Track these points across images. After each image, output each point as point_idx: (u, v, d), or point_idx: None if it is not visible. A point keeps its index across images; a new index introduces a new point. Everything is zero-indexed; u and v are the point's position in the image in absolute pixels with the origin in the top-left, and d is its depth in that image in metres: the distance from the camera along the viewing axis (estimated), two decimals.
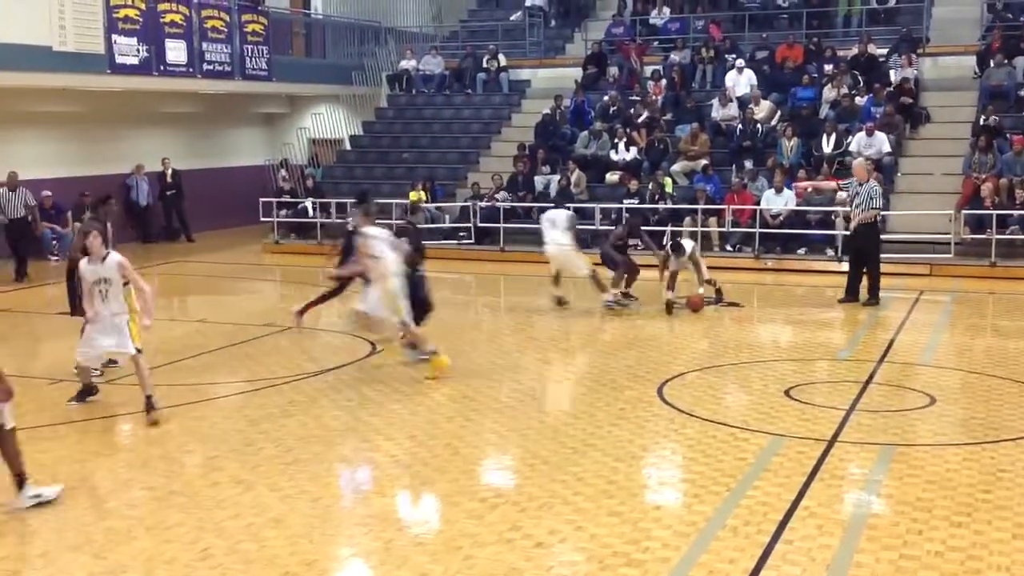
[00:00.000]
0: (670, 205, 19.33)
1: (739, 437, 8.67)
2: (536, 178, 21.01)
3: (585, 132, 21.65)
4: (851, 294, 14.83)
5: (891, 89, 20.73)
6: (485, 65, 25.04)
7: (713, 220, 18.95)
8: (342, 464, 8.50)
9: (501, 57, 25.10)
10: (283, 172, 24.43)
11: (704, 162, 20.00)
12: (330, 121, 26.92)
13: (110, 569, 6.32)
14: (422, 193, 20.76)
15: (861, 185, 14.79)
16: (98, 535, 6.86)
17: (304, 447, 8.64)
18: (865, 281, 14.76)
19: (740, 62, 22.33)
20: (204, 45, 21.91)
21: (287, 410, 9.77)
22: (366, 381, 10.97)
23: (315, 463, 8.25)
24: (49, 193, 20.21)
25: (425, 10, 31.08)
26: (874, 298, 14.69)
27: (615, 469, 7.93)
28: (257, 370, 11.44)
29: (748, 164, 19.77)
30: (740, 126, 20.86)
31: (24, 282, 17.65)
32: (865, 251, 14.79)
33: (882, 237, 17.55)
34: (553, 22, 27.06)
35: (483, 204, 20.50)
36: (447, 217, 20.99)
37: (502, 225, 20.08)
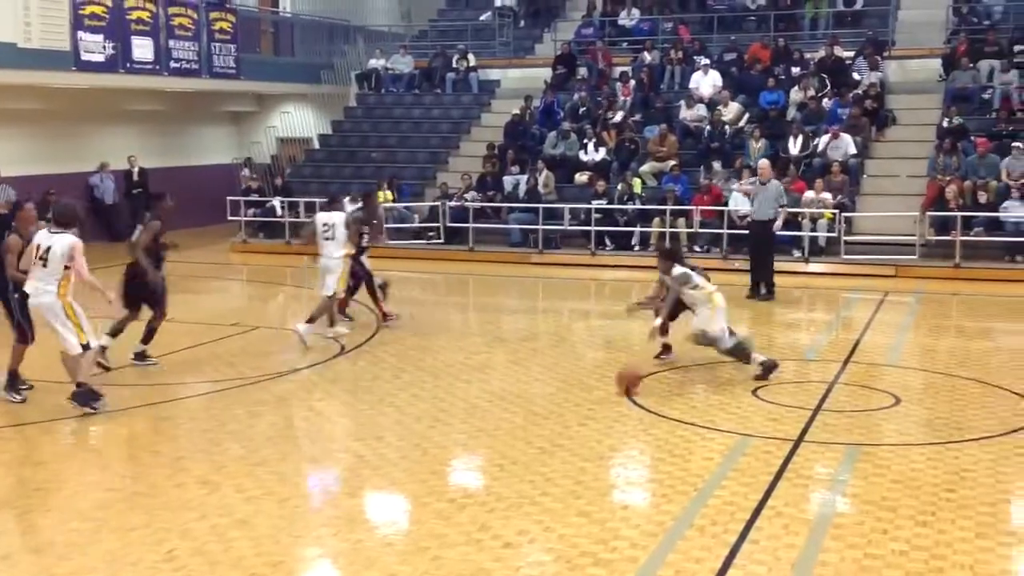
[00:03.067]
0: (639, 206, 19.41)
1: (707, 437, 8.71)
2: (505, 178, 21.03)
3: (553, 132, 21.68)
4: (755, 290, 15.26)
5: (857, 92, 20.92)
6: (455, 65, 25.02)
7: (681, 221, 19.03)
8: (310, 465, 8.46)
9: (471, 57, 25.09)
10: (245, 171, 24.21)
11: (673, 163, 20.09)
12: (299, 120, 26.79)
13: (74, 571, 6.25)
14: (389, 193, 20.71)
15: (764, 184, 15.14)
16: (62, 537, 6.79)
17: (272, 447, 8.59)
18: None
19: (705, 61, 22.46)
20: (171, 43, 21.75)
21: (254, 410, 9.72)
22: (335, 381, 10.94)
23: (283, 463, 8.21)
24: (10, 190, 19.97)
25: (394, 9, 31.03)
26: (770, 293, 15.14)
27: (583, 469, 7.95)
28: (225, 370, 11.36)
29: (716, 165, 19.88)
30: (708, 127, 20.96)
31: None
32: (762, 247, 15.31)
33: (846, 238, 17.81)
34: (523, 22, 27.08)
35: (452, 204, 20.49)
36: (416, 217, 20.95)
37: (471, 225, 20.07)
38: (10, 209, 17.85)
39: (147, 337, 11.33)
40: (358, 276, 13.24)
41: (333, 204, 13.19)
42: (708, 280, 10.86)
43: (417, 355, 12.00)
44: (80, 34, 19.49)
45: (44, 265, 9.23)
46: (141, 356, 11.37)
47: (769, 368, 10.55)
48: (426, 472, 8.01)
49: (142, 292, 11.17)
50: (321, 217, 12.87)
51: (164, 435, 8.99)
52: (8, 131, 20.56)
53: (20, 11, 18.24)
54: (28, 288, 9.36)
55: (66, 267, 9.21)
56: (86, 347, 9.35)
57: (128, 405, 9.83)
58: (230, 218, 22.32)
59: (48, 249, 9.22)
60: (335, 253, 12.57)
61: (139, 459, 8.42)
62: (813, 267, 17.93)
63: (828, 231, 18.17)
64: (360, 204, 14.45)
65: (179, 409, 9.88)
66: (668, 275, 10.82)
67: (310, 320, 12.32)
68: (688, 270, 10.78)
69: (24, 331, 9.90)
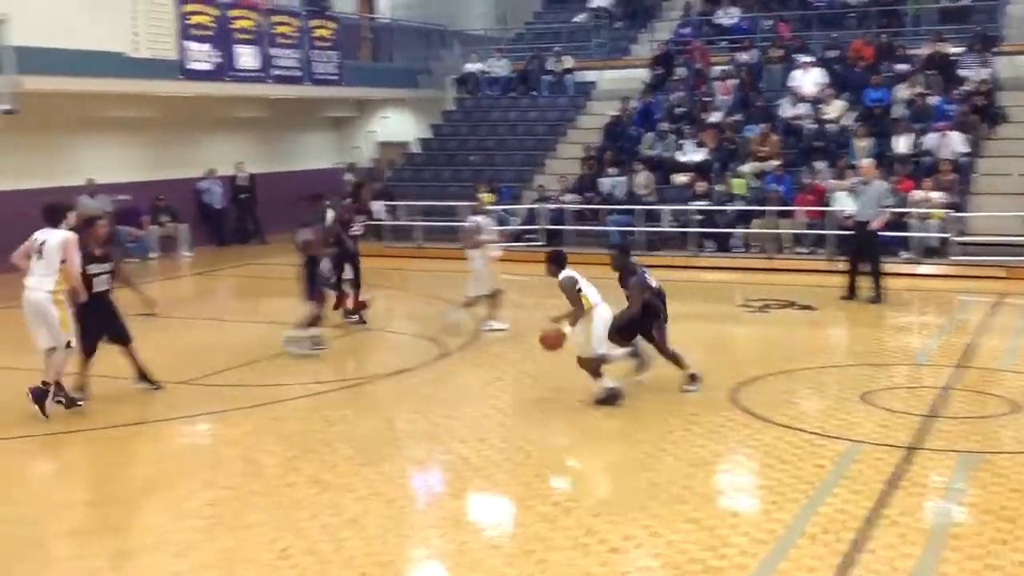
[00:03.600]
0: (740, 207, 19.15)
1: (816, 443, 8.54)
2: (603, 180, 20.95)
3: (651, 133, 21.53)
4: (852, 292, 14.85)
5: (966, 89, 20.31)
6: (550, 67, 25.04)
7: (785, 221, 18.72)
8: (416, 466, 8.53)
9: (566, 59, 25.07)
10: (349, 175, 24.63)
11: (775, 162, 19.77)
12: (398, 124, 27.10)
13: (192, 568, 6.42)
14: (489, 195, 20.81)
15: (867, 183, 14.73)
16: (177, 534, 6.97)
17: (378, 449, 8.69)
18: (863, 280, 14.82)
19: (806, 59, 22.05)
20: (274, 51, 22.19)
21: (360, 412, 9.85)
22: (437, 383, 11.02)
23: (390, 464, 8.30)
24: (126, 197, 20.64)
25: (490, 13, 31.17)
26: (877, 297, 14.66)
27: (689, 475, 7.86)
28: (330, 371, 11.54)
29: (820, 164, 19.50)
30: (811, 126, 20.58)
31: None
32: (866, 250, 14.84)
33: (957, 239, 17.28)
34: (619, 23, 26.95)
35: (550, 206, 20.49)
36: (515, 219, 21.01)
37: (569, 227, 20.04)
38: (80, 224, 18.27)
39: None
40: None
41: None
42: (597, 292, 9.98)
43: (518, 358, 12.03)
44: (187, 44, 20.01)
45: (40, 258, 9.42)
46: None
47: (613, 397, 9.70)
48: (530, 475, 8.02)
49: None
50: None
51: (275, 435, 9.15)
52: (119, 138, 21.21)
53: (129, 22, 18.80)
54: (27, 282, 9.50)
55: (62, 261, 9.40)
56: (68, 345, 9.52)
57: (239, 405, 10.05)
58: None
59: (43, 243, 9.44)
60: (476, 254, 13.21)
61: (251, 458, 8.59)
62: (923, 269, 17.44)
63: (938, 232, 17.67)
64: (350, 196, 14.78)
65: (288, 410, 10.06)
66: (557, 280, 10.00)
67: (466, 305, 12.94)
68: (574, 276, 9.89)
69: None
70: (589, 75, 25.19)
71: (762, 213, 18.84)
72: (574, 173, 21.58)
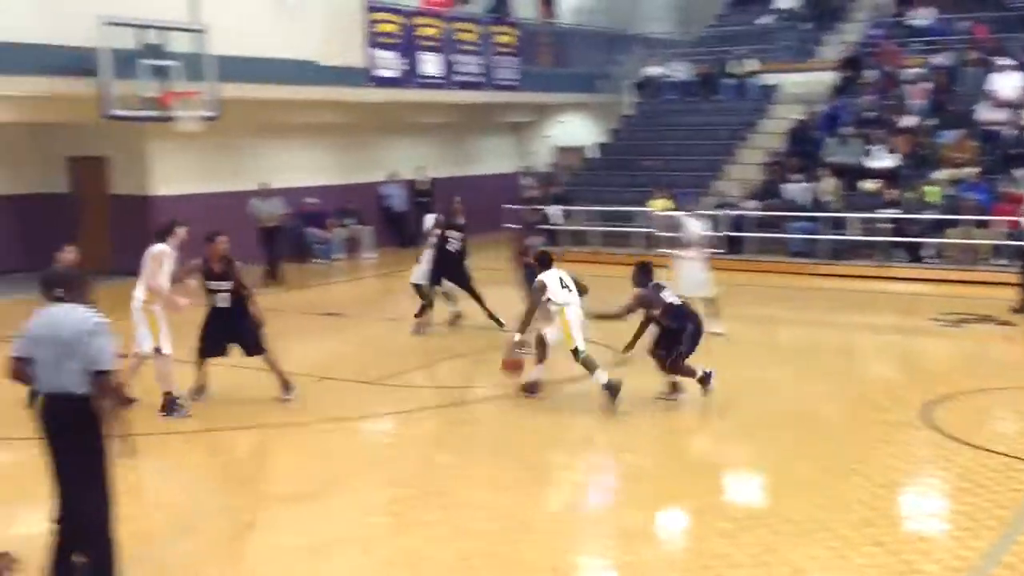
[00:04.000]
0: (934, 215, 18.30)
1: (1015, 468, 8.05)
2: (786, 186, 20.41)
3: (835, 138, 20.84)
4: None
5: None
6: (732, 70, 24.58)
7: (981, 232, 17.78)
8: (593, 474, 8.50)
9: (750, 62, 24.56)
10: (529, 179, 24.86)
11: (972, 169, 18.81)
12: (575, 129, 27.16)
13: (378, 564, 6.57)
14: (667, 201, 20.62)
15: None
16: (362, 530, 7.14)
17: (557, 454, 8.71)
18: None
19: (1005, 62, 20.87)
20: (457, 57, 22.59)
21: (540, 417, 9.88)
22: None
23: (566, 471, 8.30)
24: (315, 200, 21.42)
25: (671, 16, 30.85)
26: None
27: (878, 495, 7.54)
28: (504, 376, 11.61)
29: (1020, 172, 18.44)
30: (1010, 132, 19.49)
31: (273, 286, 18.03)
32: None
33: None
34: (805, 25, 26.21)
35: (731, 212, 20.10)
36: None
37: (750, 234, 19.61)
38: (281, 220, 18.76)
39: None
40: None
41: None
42: (571, 292, 10.09)
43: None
44: (374, 51, 20.59)
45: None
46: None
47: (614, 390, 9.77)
48: (708, 489, 7.86)
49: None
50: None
51: (457, 436, 9.30)
52: (307, 143, 22.03)
53: (321, 31, 19.49)
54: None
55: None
56: (157, 351, 9.77)
57: (422, 405, 10.26)
58: (509, 225, 22.88)
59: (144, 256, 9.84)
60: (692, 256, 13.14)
61: (433, 459, 8.74)
62: None
63: None
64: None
65: (469, 412, 10.20)
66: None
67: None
68: (545, 279, 10.03)
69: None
70: (773, 78, 24.58)
71: (957, 222, 17.95)
72: (756, 179, 21.10)
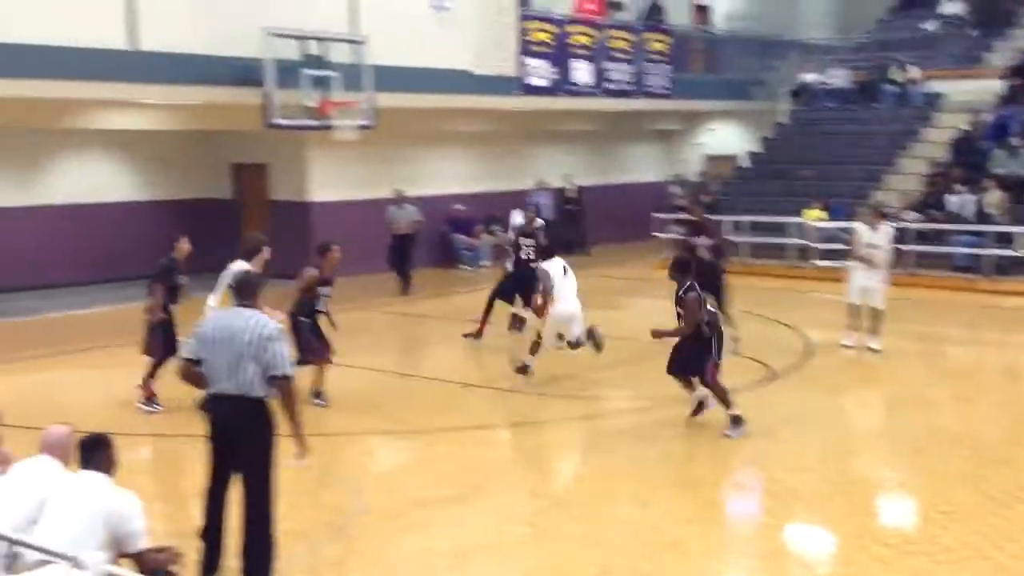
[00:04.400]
0: None
1: None
2: (949, 197, 19.60)
3: (1002, 149, 19.89)
4: None
5: None
6: (894, 77, 23.76)
7: None
8: (740, 492, 8.32)
9: (912, 69, 23.69)
10: (677, 188, 24.59)
11: None
12: (727, 137, 26.73)
13: (518, 573, 6.58)
14: (821, 212, 20.08)
15: None
16: (506, 539, 7.17)
17: (700, 470, 8.56)
18: None
19: None
20: (608, 65, 22.54)
21: (684, 432, 9.74)
22: (764, 407, 10.68)
23: (712, 488, 8.15)
24: (461, 206, 21.69)
25: (831, 21, 30.08)
26: None
27: None
28: (652, 388, 11.48)
29: None
30: None
31: (408, 294, 18.18)
32: None
33: None
34: (972, 31, 25.14)
35: (892, 224, 19.38)
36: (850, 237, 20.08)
37: (911, 247, 18.90)
38: (415, 228, 18.79)
39: None
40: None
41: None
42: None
43: (852, 385, 11.49)
44: (526, 60, 20.73)
45: None
46: None
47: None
48: (862, 511, 7.60)
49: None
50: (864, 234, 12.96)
51: (598, 448, 9.24)
52: (456, 151, 22.32)
53: (474, 41, 19.73)
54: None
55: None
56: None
57: (567, 416, 10.25)
58: (656, 235, 22.69)
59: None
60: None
61: (575, 471, 8.73)
62: None
63: None
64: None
65: (611, 424, 10.13)
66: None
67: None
68: (548, 269, 11.13)
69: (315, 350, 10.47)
70: (937, 86, 23.65)
71: None
72: (917, 190, 20.33)
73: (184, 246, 10.56)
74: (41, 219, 18.50)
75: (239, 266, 9.64)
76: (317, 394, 10.40)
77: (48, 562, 4.55)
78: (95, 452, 5.16)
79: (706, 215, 13.80)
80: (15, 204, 18.14)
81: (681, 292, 9.41)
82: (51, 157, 18.76)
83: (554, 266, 11.23)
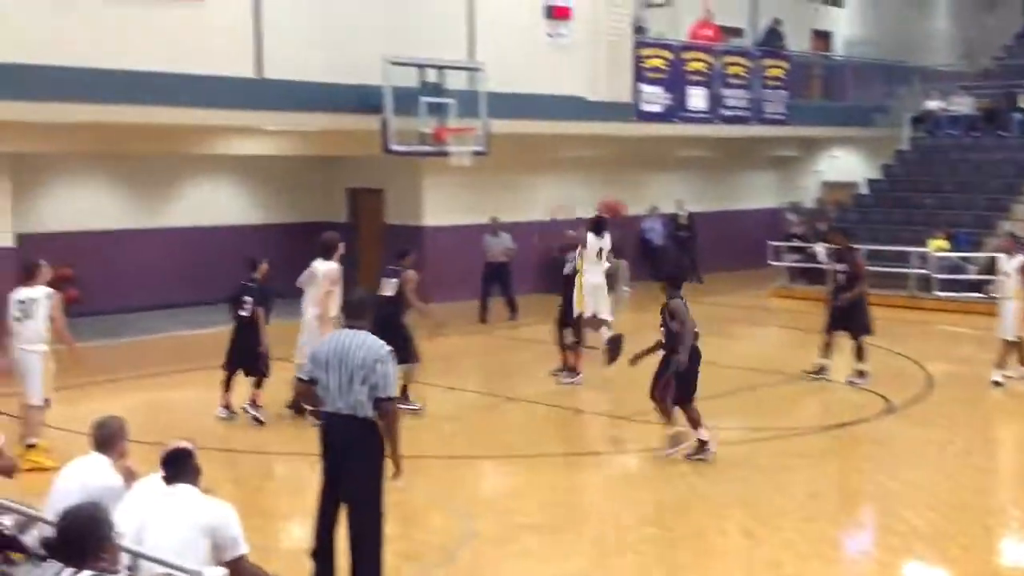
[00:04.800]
0: None
1: None
2: None
3: None
4: None
5: None
6: (1022, 104, 22.97)
7: None
8: (858, 528, 8.09)
9: None
10: (792, 216, 24.16)
11: None
12: (846, 164, 26.20)
13: None
14: (943, 242, 19.50)
15: None
16: (609, 567, 7.10)
17: (816, 505, 8.36)
18: None
19: None
20: (724, 91, 22.33)
21: (797, 464, 9.53)
22: (880, 441, 10.41)
23: (828, 523, 7.94)
24: (573, 232, 21.66)
25: (955, 47, 29.30)
26: None
27: None
28: (766, 418, 11.31)
29: None
30: None
31: (515, 320, 18.12)
32: None
33: None
34: None
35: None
36: (974, 268, 19.47)
37: None
38: (509, 256, 18.74)
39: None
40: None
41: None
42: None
43: (972, 419, 11.10)
44: (642, 86, 20.68)
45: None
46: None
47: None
48: (988, 553, 7.31)
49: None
50: None
51: (707, 479, 9.08)
52: (569, 176, 22.30)
53: (590, 68, 19.78)
54: None
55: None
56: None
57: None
58: (771, 263, 22.34)
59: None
60: None
61: (684, 501, 8.59)
62: None
63: None
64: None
65: (721, 454, 9.94)
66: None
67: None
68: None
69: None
70: None
71: None
72: None
73: (265, 267, 11.30)
74: (165, 241, 19.15)
75: (322, 265, 10.58)
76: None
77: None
78: (179, 465, 5.26)
79: (849, 243, 13.42)
80: (142, 226, 18.81)
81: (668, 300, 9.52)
82: (176, 182, 19.42)
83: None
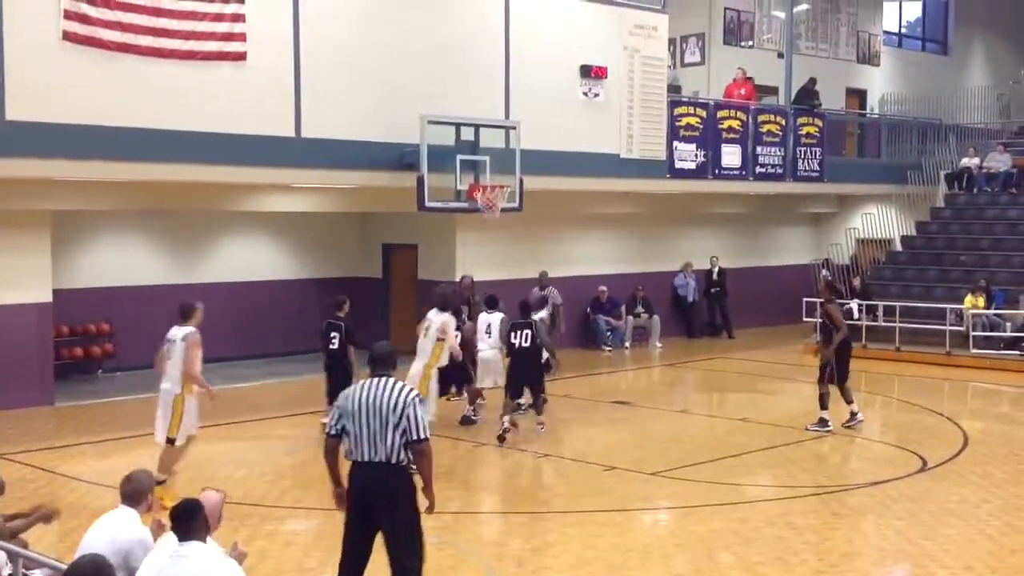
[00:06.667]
0: None
1: None
2: None
3: None
4: None
5: None
6: None
7: None
8: None
9: None
10: (825, 272, 24.07)
11: None
12: (880, 221, 26.16)
13: None
14: (979, 299, 19.38)
15: None
16: None
17: (850, 564, 8.28)
18: None
19: None
20: (758, 148, 22.43)
21: (831, 522, 9.47)
22: (916, 499, 10.29)
23: None
24: (604, 288, 21.75)
25: (991, 105, 29.28)
26: None
27: None
28: (799, 476, 11.24)
29: None
30: None
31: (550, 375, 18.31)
32: None
33: None
34: None
35: None
36: (1009, 325, 19.31)
37: None
38: (555, 311, 18.79)
39: None
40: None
41: None
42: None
43: (1008, 478, 10.96)
44: (675, 144, 20.82)
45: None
46: None
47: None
48: None
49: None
50: None
51: (740, 537, 9.03)
52: (603, 233, 22.45)
53: (624, 126, 19.96)
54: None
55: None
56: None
57: (706, 502, 10.08)
58: (804, 319, 22.25)
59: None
60: None
61: (714, 557, 8.54)
62: None
63: None
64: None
65: (754, 512, 9.90)
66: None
67: None
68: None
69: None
70: None
71: None
72: None
73: (346, 304, 12.72)
74: (202, 297, 19.32)
75: (436, 315, 12.03)
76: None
77: None
78: (190, 521, 5.21)
79: (830, 296, 13.91)
80: (180, 282, 19.03)
81: None
82: (213, 237, 19.70)
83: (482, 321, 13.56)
